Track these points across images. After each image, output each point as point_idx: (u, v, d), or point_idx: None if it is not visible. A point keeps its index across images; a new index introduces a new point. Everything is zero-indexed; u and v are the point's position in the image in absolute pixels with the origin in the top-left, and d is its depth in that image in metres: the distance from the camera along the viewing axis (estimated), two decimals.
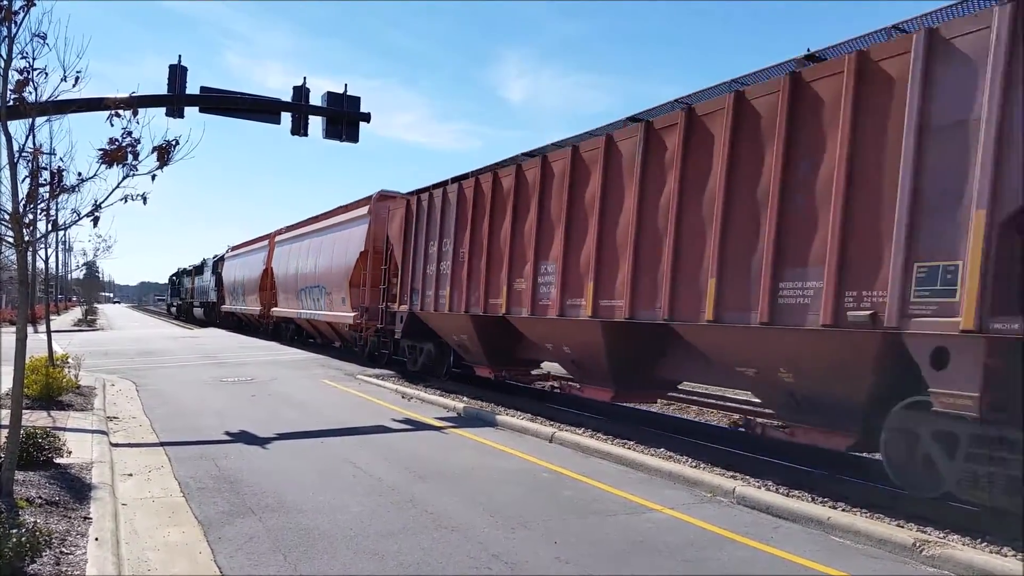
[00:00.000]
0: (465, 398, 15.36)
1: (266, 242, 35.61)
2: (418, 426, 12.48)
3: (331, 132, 16.48)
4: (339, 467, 9.09)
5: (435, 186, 17.31)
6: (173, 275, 76.07)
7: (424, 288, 17.15)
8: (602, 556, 6.16)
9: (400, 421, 12.85)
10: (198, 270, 56.95)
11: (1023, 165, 6.40)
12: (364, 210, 23.17)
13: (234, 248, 44.02)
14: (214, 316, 49.01)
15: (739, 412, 11.54)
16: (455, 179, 16.46)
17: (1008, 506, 6.74)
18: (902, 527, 6.94)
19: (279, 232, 33.86)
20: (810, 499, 7.95)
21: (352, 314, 22.79)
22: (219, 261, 47.67)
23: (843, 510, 7.52)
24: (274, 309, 33.13)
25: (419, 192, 18.21)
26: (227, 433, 11.17)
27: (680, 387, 13.21)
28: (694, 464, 9.56)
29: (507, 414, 13.16)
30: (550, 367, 16.69)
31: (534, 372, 16.59)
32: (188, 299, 61.84)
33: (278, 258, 32.79)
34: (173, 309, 74.46)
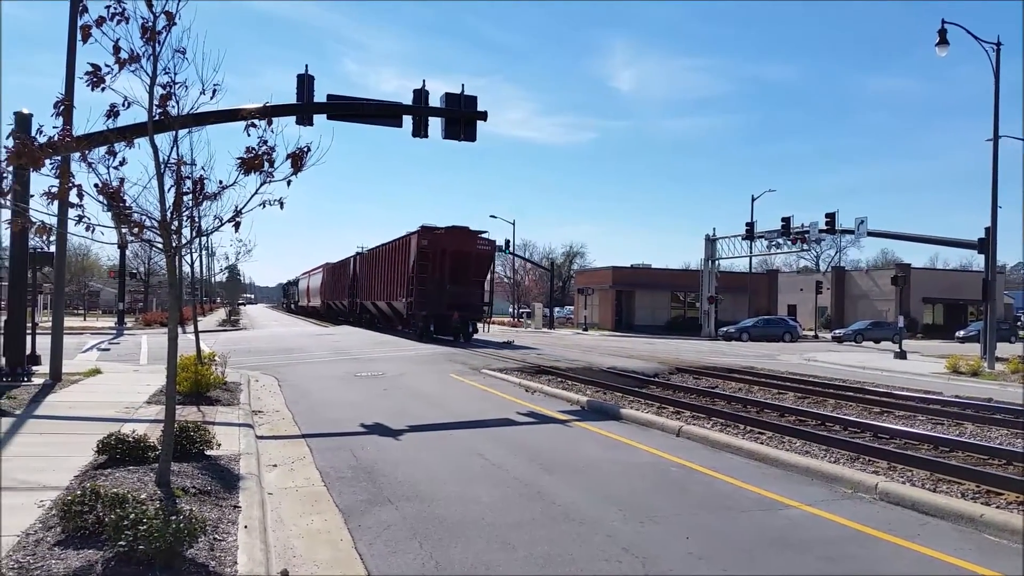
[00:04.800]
0: (588, 391, 15.33)
1: (307, 275, 77.32)
2: (542, 419, 12.56)
3: (450, 132, 16.71)
4: (468, 459, 9.27)
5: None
6: (284, 284, 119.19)
7: None
8: (737, 552, 5.99)
9: (524, 414, 12.97)
10: (294, 282, 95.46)
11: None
12: (320, 268, 66.69)
13: (303, 272, 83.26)
14: (296, 308, 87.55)
15: None
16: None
17: None
18: None
19: (309, 271, 76.78)
20: (960, 495, 7.50)
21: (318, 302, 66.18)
22: (298, 279, 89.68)
23: (997, 507, 7.05)
24: (305, 304, 74.42)
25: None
26: (362, 425, 11.60)
27: None
28: (833, 459, 9.18)
29: (631, 407, 13.05)
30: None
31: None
32: (291, 300, 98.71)
33: (310, 281, 72.86)
34: (283, 306, 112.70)
